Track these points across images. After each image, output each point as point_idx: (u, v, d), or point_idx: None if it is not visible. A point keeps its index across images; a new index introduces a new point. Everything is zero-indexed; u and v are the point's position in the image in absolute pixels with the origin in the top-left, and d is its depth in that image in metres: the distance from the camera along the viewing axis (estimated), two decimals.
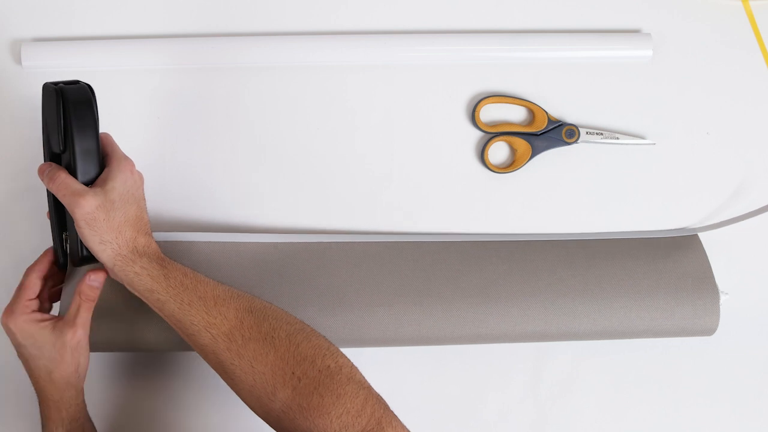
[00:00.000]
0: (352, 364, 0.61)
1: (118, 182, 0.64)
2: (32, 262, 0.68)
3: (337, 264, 0.75)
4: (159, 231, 0.74)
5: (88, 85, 0.66)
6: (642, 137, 0.83)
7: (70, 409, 0.66)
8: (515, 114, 0.83)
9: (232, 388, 0.61)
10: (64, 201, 0.63)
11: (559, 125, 0.82)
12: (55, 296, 0.71)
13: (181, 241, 0.74)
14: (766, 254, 0.83)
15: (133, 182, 0.65)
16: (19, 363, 0.66)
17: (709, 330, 0.77)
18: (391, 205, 0.81)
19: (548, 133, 0.82)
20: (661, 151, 0.83)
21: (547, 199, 0.82)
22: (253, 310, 0.62)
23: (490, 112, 0.83)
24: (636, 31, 0.85)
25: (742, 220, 0.78)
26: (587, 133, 0.82)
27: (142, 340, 0.71)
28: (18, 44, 0.80)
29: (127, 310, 0.70)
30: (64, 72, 0.79)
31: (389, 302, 0.73)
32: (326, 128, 0.81)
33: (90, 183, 0.64)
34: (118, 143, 0.68)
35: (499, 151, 0.83)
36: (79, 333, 0.64)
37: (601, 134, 0.82)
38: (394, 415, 0.59)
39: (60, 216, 0.67)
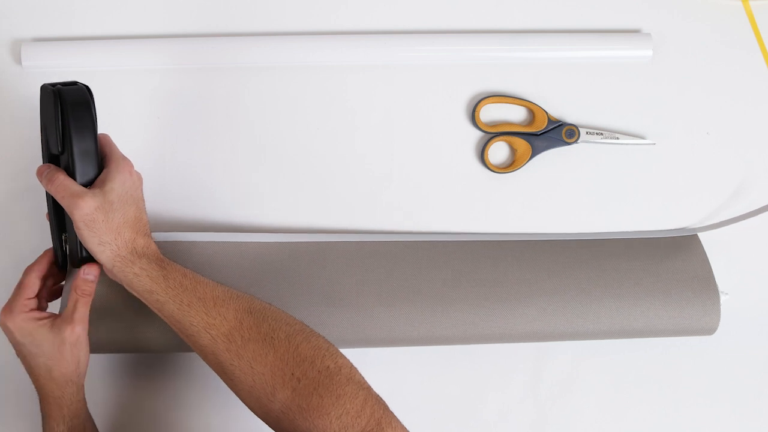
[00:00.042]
0: (352, 365, 0.61)
1: (116, 183, 0.64)
2: (32, 262, 0.68)
3: (337, 263, 0.75)
4: (159, 231, 0.74)
5: (86, 86, 0.65)
6: (642, 137, 0.83)
7: (71, 406, 0.66)
8: (515, 114, 0.83)
9: (232, 388, 0.61)
10: (63, 202, 0.63)
11: (559, 125, 0.82)
12: (56, 294, 0.71)
13: (181, 241, 0.74)
14: (766, 254, 0.83)
15: (131, 183, 0.65)
16: (19, 362, 0.66)
17: (709, 330, 0.77)
18: (391, 205, 0.81)
19: (548, 133, 0.82)
20: (661, 151, 0.83)
21: (547, 199, 0.82)
22: (252, 311, 0.62)
23: (490, 112, 0.83)
24: (636, 31, 0.85)
25: (742, 220, 0.78)
26: (587, 133, 0.82)
27: (142, 341, 0.71)
28: (18, 44, 0.80)
29: (127, 311, 0.70)
30: (64, 72, 0.79)
31: (389, 302, 0.73)
32: (326, 128, 0.81)
33: (89, 184, 0.64)
34: (117, 143, 0.68)
35: (499, 151, 0.83)
36: (77, 329, 0.64)
37: (601, 134, 0.82)
38: (394, 415, 0.59)
39: (59, 217, 0.67)
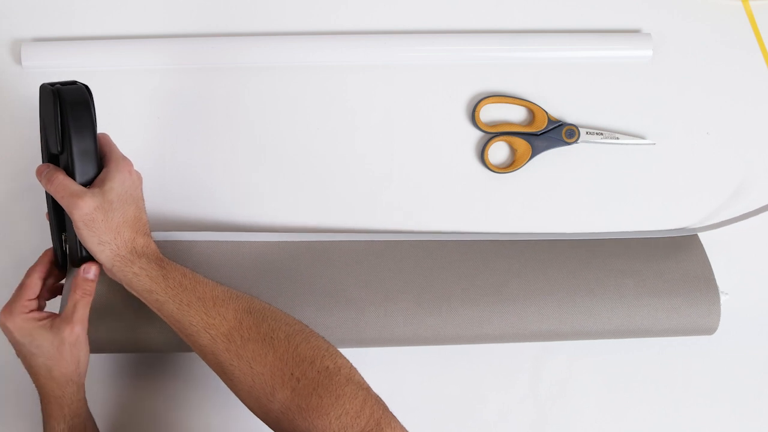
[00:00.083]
0: (351, 365, 0.61)
1: (116, 183, 0.64)
2: (32, 262, 0.68)
3: (337, 263, 0.75)
4: (159, 231, 0.74)
5: (86, 86, 0.65)
6: (642, 137, 0.83)
7: (71, 405, 0.66)
8: (515, 114, 0.83)
9: (231, 388, 0.61)
10: (62, 202, 0.63)
11: (559, 125, 0.82)
12: (55, 292, 0.71)
13: (181, 241, 0.74)
14: (766, 254, 0.83)
15: (131, 182, 0.65)
16: (19, 362, 0.66)
17: (709, 329, 0.77)
18: (391, 205, 0.81)
19: (548, 133, 0.82)
20: (661, 151, 0.83)
21: (547, 199, 0.82)
22: (252, 311, 0.62)
23: (490, 112, 0.83)
24: (636, 31, 0.85)
25: (742, 220, 0.78)
26: (587, 133, 0.82)
27: (142, 340, 0.71)
28: (18, 44, 0.80)
29: (127, 311, 0.70)
30: (64, 72, 0.79)
31: (389, 302, 0.73)
32: (326, 128, 0.81)
33: (88, 184, 0.64)
34: (117, 143, 0.68)
35: (499, 151, 0.83)
36: (77, 329, 0.64)
37: (601, 134, 0.82)
38: (393, 415, 0.59)
39: (59, 217, 0.67)
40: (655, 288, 0.76)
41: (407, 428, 0.58)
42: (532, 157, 0.81)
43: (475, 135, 0.82)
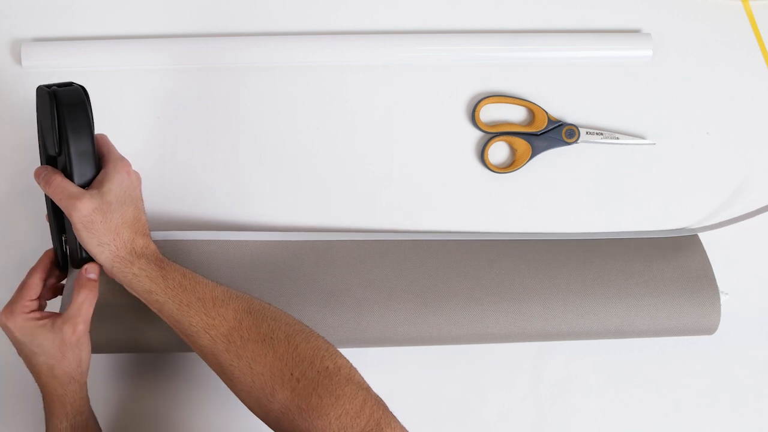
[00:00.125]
0: (351, 365, 0.61)
1: (114, 184, 0.64)
2: (32, 263, 0.68)
3: (337, 263, 0.75)
4: (158, 230, 0.74)
5: (82, 87, 0.65)
6: (642, 137, 0.83)
7: (74, 404, 0.66)
8: (515, 114, 0.83)
9: (231, 389, 0.61)
10: (61, 204, 0.63)
11: (559, 125, 0.82)
12: (55, 292, 0.71)
13: (181, 240, 0.74)
14: (766, 254, 0.83)
15: (129, 183, 0.65)
16: (20, 361, 0.66)
17: (709, 329, 0.77)
18: (391, 205, 0.81)
19: (548, 133, 0.82)
20: (661, 151, 0.83)
21: (547, 199, 0.82)
22: (251, 311, 0.62)
23: (490, 112, 0.83)
24: (636, 31, 0.85)
25: (742, 220, 0.79)
26: (587, 133, 0.82)
27: (143, 341, 0.71)
28: (18, 44, 0.80)
29: (127, 311, 0.70)
30: (63, 72, 0.79)
31: (389, 302, 0.73)
32: (326, 128, 0.81)
33: (86, 185, 0.64)
34: (117, 144, 0.68)
35: (499, 151, 0.83)
36: (79, 329, 0.64)
37: (601, 134, 0.82)
38: (393, 416, 0.59)
39: (58, 219, 0.67)
40: (655, 288, 0.76)
41: (407, 428, 0.58)
42: (532, 157, 0.81)
43: (475, 135, 0.82)
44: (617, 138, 0.82)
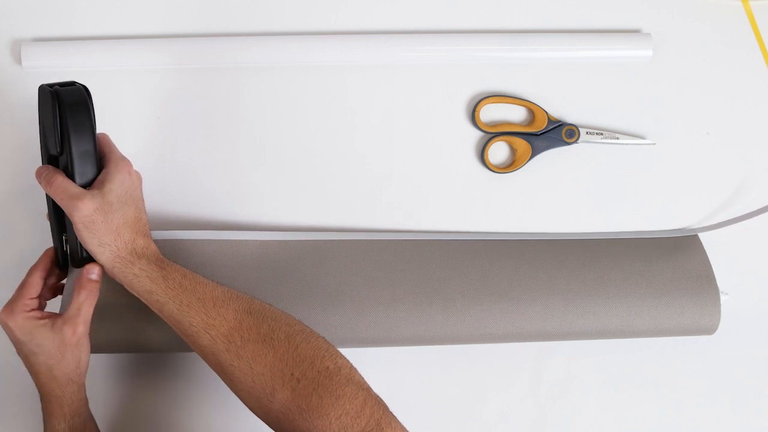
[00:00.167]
0: (351, 365, 0.61)
1: (115, 184, 0.64)
2: (33, 262, 0.68)
3: (337, 263, 0.75)
4: (159, 230, 0.74)
5: (84, 87, 0.65)
6: (642, 137, 0.83)
7: (72, 405, 0.66)
8: (515, 114, 0.83)
9: (232, 389, 0.61)
10: (62, 204, 0.63)
11: (559, 125, 0.82)
12: (56, 292, 0.71)
13: (181, 240, 0.74)
14: (766, 254, 0.83)
15: (131, 183, 0.65)
16: (19, 362, 0.66)
17: (709, 329, 0.77)
18: (391, 205, 0.81)
19: (548, 133, 0.82)
20: (661, 151, 0.83)
21: (547, 199, 0.82)
22: (252, 312, 0.62)
23: (490, 112, 0.83)
24: (636, 31, 0.85)
25: (742, 220, 0.79)
26: (587, 133, 0.82)
27: (143, 341, 0.71)
28: (18, 44, 0.80)
29: (127, 311, 0.70)
30: (64, 72, 0.79)
31: (389, 302, 0.73)
32: (326, 128, 0.81)
33: (88, 185, 0.64)
34: (117, 144, 0.68)
35: (499, 151, 0.83)
36: (79, 330, 0.64)
37: (601, 134, 0.82)
38: (394, 416, 0.59)
39: (59, 218, 0.67)
40: (656, 288, 0.76)
41: (407, 428, 0.58)
42: (532, 157, 0.81)
43: (475, 135, 0.82)
44: (617, 138, 0.82)
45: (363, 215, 0.80)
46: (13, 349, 0.66)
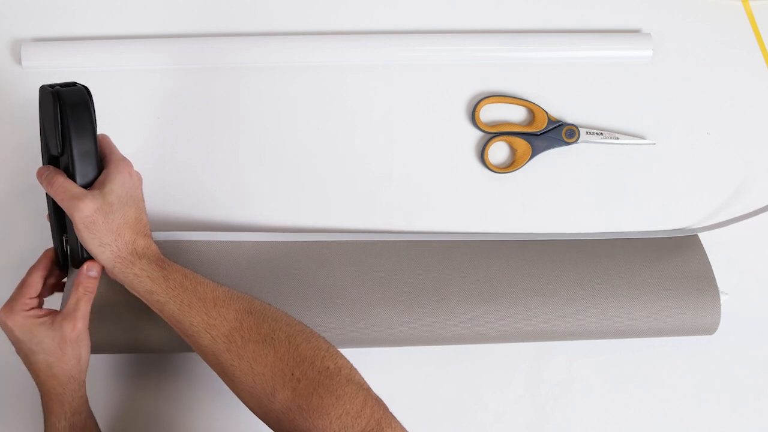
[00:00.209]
0: (352, 365, 0.61)
1: (116, 184, 0.64)
2: (32, 262, 0.68)
3: (336, 263, 0.75)
4: (159, 231, 0.74)
5: (85, 87, 0.65)
6: (642, 137, 0.83)
7: (72, 403, 0.66)
8: (515, 114, 0.83)
9: (232, 389, 0.61)
10: (63, 205, 0.63)
11: (559, 125, 0.82)
12: (56, 291, 0.71)
13: (182, 240, 0.74)
14: (766, 254, 0.83)
15: (131, 183, 0.65)
16: (19, 361, 0.66)
17: (709, 329, 0.77)
18: (391, 205, 0.81)
19: (548, 133, 0.82)
20: (661, 151, 0.83)
21: (547, 199, 0.82)
22: (252, 312, 0.62)
23: (490, 112, 0.83)
24: (636, 31, 0.85)
25: (742, 220, 0.79)
26: (587, 133, 0.82)
27: (144, 341, 0.71)
28: (18, 44, 0.80)
29: (128, 311, 0.70)
30: (64, 72, 0.79)
31: (388, 302, 0.73)
32: (326, 128, 0.81)
33: (88, 185, 0.64)
34: (117, 144, 0.68)
35: (499, 151, 0.83)
36: (78, 326, 0.64)
37: (601, 134, 0.82)
38: (393, 416, 0.59)
39: (59, 218, 0.67)
40: (656, 288, 0.76)
41: (407, 429, 0.58)
42: (532, 157, 0.81)
43: (475, 135, 0.82)
44: (617, 138, 0.82)
45: (363, 215, 0.80)
46: (13, 349, 0.66)
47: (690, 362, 0.80)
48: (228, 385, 0.62)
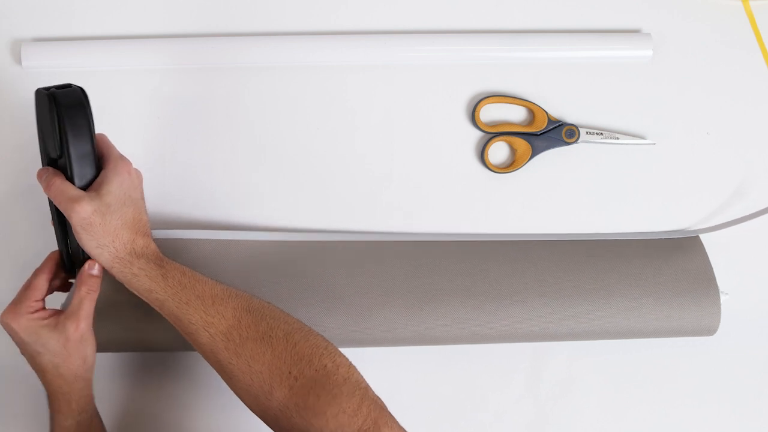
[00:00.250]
0: (350, 364, 0.61)
1: (114, 185, 0.64)
2: (33, 262, 0.68)
3: (336, 263, 0.75)
4: (158, 230, 0.74)
5: (81, 88, 0.65)
6: (642, 137, 0.83)
7: (79, 401, 0.66)
8: (515, 114, 0.83)
9: (230, 386, 0.61)
10: (60, 207, 0.63)
11: (559, 125, 0.82)
12: (62, 288, 0.71)
13: (182, 239, 0.74)
14: (766, 255, 0.82)
15: (130, 183, 0.65)
16: (22, 361, 0.66)
17: (710, 330, 0.77)
18: (391, 205, 0.81)
19: (548, 133, 0.82)
20: (661, 151, 0.83)
21: (547, 199, 0.82)
22: (250, 310, 0.62)
23: (490, 112, 0.83)
24: (636, 31, 0.85)
25: (743, 221, 0.79)
26: (587, 133, 0.82)
27: (146, 339, 0.71)
28: (18, 44, 0.80)
29: (130, 310, 0.70)
30: (63, 72, 0.79)
31: (388, 302, 0.73)
32: (326, 128, 0.81)
33: (87, 186, 0.64)
34: (117, 144, 0.68)
35: (499, 151, 0.83)
36: (82, 325, 0.64)
37: (601, 134, 0.82)
38: (391, 415, 0.59)
39: (63, 221, 0.67)
40: (656, 288, 0.76)
41: (405, 428, 0.58)
42: (532, 157, 0.81)
43: (475, 135, 0.82)
44: (617, 138, 0.82)
45: (363, 215, 0.80)
46: (16, 350, 0.66)
47: (690, 362, 0.80)
48: (226, 383, 0.62)
